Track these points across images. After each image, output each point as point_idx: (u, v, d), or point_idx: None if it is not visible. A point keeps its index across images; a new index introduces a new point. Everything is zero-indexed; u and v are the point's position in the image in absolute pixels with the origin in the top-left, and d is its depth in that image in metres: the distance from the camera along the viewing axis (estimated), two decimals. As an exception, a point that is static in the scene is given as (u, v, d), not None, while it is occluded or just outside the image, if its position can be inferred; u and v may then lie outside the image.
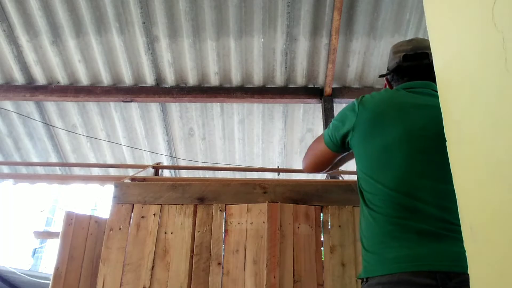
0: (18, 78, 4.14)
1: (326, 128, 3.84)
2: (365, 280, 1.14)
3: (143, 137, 4.63)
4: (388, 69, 1.49)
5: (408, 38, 3.78)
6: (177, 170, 5.05)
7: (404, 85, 1.36)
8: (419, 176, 1.13)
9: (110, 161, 4.87)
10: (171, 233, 1.88)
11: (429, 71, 1.35)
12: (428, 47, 1.38)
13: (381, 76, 1.53)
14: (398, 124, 1.19)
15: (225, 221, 1.91)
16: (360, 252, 1.83)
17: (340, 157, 1.46)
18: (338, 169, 3.74)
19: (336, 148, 1.38)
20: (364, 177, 1.23)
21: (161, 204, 1.94)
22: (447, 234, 1.07)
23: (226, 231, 1.89)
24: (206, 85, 4.18)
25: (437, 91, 1.32)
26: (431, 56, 1.34)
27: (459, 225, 0.72)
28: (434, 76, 1.38)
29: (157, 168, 2.64)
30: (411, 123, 1.19)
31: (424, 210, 1.09)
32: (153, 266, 1.82)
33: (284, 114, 4.39)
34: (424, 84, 1.32)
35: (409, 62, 1.38)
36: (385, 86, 1.57)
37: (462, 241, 0.70)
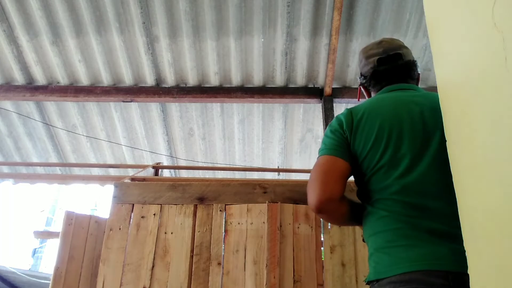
0: (18, 78, 4.14)
1: (326, 128, 3.85)
2: (375, 282, 1.08)
3: (143, 137, 4.63)
4: (362, 75, 1.44)
5: (408, 38, 3.79)
6: (177, 170, 5.04)
7: (385, 89, 1.34)
8: (427, 172, 1.08)
9: (110, 161, 4.87)
10: (171, 233, 1.88)
11: (406, 71, 1.35)
12: (400, 47, 1.36)
13: (360, 85, 1.48)
14: (396, 122, 1.17)
15: (225, 221, 1.91)
16: (360, 252, 1.83)
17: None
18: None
19: (342, 153, 1.20)
20: (367, 177, 1.19)
21: (161, 204, 1.94)
22: (460, 233, 1.01)
23: (226, 231, 1.89)
24: (206, 85, 4.18)
25: (415, 89, 1.32)
26: (405, 56, 1.35)
27: None
28: (412, 75, 1.39)
29: (157, 168, 2.64)
30: (409, 119, 1.16)
31: (434, 207, 1.05)
32: (153, 266, 1.82)
33: (284, 114, 4.39)
34: (404, 86, 1.32)
35: (385, 65, 1.35)
36: (359, 95, 1.52)
37: None
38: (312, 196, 1.15)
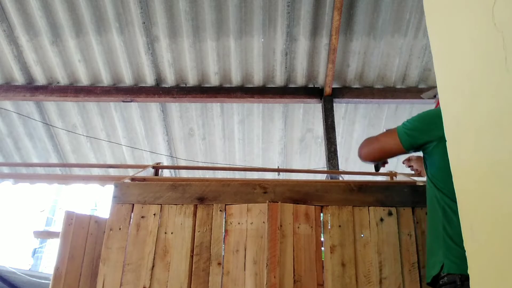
0: (18, 78, 4.14)
1: (325, 127, 3.85)
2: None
3: (143, 137, 4.63)
4: None
5: (408, 38, 3.79)
6: (177, 170, 5.04)
7: None
8: None
9: (110, 161, 4.87)
10: (171, 233, 1.88)
11: None
12: None
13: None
14: None
15: (225, 221, 1.91)
16: (360, 252, 1.83)
17: None
18: (339, 169, 3.74)
19: (410, 147, 1.52)
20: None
21: (161, 204, 1.94)
22: None
23: (226, 231, 1.89)
24: (206, 85, 4.18)
25: None
26: None
27: None
28: None
29: (157, 168, 2.64)
30: None
31: None
32: (153, 266, 1.82)
33: (284, 114, 4.39)
34: None
35: None
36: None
37: None
38: (365, 152, 1.69)
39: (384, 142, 1.63)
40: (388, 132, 1.63)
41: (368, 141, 1.71)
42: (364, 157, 1.71)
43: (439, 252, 1.34)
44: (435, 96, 1.99)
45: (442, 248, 1.32)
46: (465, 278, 1.19)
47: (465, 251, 1.21)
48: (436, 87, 1.85)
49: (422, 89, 3.95)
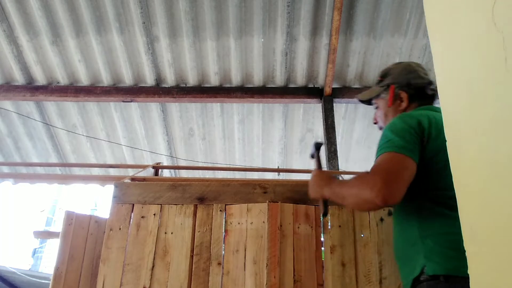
0: (18, 78, 4.14)
1: (325, 127, 3.85)
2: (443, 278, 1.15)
3: (143, 137, 4.63)
4: (411, 84, 1.57)
5: (408, 38, 3.79)
6: (177, 170, 5.04)
7: (432, 107, 1.49)
8: None
9: (110, 161, 4.87)
10: (171, 233, 1.88)
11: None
12: None
13: (404, 91, 1.56)
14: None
15: (225, 221, 1.91)
16: (360, 252, 1.83)
17: None
18: (339, 169, 3.74)
19: (417, 156, 1.24)
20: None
21: (161, 204, 1.94)
22: None
23: (226, 231, 1.89)
24: (206, 85, 4.18)
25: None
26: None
27: None
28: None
29: (157, 168, 2.64)
30: None
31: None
32: (153, 266, 1.82)
33: (284, 114, 4.39)
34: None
35: (434, 90, 1.52)
36: (391, 100, 1.57)
37: None
38: (377, 192, 1.14)
39: (400, 174, 1.21)
40: (387, 164, 1.23)
41: (373, 182, 1.19)
42: (392, 202, 1.18)
43: (417, 256, 1.26)
44: (370, 101, 1.71)
45: (422, 252, 1.24)
46: (448, 278, 1.14)
47: (448, 250, 1.19)
48: (371, 87, 1.75)
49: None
